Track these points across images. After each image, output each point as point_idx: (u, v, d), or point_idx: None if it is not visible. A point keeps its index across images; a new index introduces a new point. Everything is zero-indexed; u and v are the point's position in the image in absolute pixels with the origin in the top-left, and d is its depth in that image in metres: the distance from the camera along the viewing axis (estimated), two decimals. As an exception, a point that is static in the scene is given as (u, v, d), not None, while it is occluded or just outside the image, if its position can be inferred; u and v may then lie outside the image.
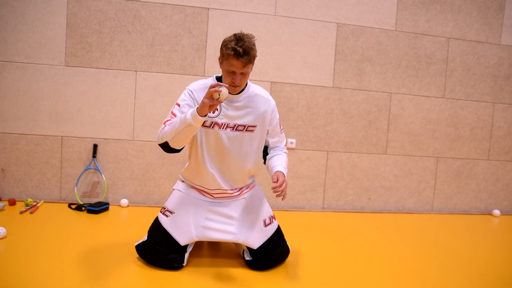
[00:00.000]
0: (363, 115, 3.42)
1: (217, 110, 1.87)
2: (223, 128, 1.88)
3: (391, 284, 1.93)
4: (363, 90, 3.40)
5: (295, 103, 3.30)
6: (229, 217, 1.98)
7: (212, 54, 3.13)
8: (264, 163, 2.10)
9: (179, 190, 2.04)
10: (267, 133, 2.02)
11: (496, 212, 3.62)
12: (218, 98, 1.65)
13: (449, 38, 3.50)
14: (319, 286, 1.86)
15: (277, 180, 1.81)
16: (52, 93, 2.98)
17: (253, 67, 1.88)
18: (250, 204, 2.04)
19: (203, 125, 1.87)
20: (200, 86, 1.89)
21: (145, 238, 1.98)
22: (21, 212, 2.64)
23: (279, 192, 1.79)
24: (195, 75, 3.12)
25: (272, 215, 2.08)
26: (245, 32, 1.77)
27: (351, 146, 3.43)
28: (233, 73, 1.77)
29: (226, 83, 1.82)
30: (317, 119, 3.35)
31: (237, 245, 2.17)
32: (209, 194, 2.00)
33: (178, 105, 1.87)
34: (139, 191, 3.15)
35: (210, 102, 1.64)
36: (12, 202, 2.83)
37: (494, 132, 3.67)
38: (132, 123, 3.09)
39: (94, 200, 3.03)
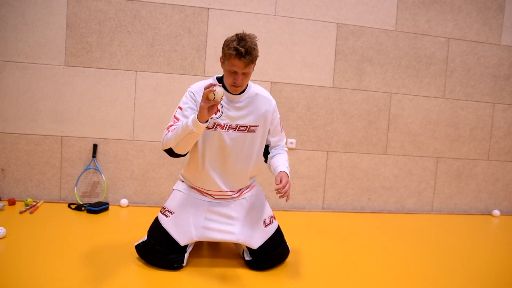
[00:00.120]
0: (363, 115, 3.42)
1: (219, 111, 1.87)
2: (225, 129, 1.88)
3: (391, 284, 1.93)
4: (363, 90, 3.40)
5: (295, 103, 3.30)
6: (229, 217, 1.98)
7: (212, 54, 3.13)
8: (265, 161, 2.10)
9: (179, 190, 2.04)
10: (268, 133, 2.02)
11: (496, 212, 3.62)
12: (214, 98, 1.62)
13: (449, 38, 3.50)
14: (319, 286, 1.86)
15: (281, 181, 1.81)
16: (52, 93, 2.98)
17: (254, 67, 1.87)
18: (250, 204, 2.04)
19: (205, 126, 1.86)
20: (201, 87, 1.88)
21: (145, 238, 1.98)
22: (21, 212, 2.64)
23: (283, 194, 1.79)
24: (195, 75, 3.12)
25: (272, 215, 2.08)
26: (247, 32, 1.77)
27: (351, 146, 3.43)
28: (235, 73, 1.77)
29: (227, 83, 1.82)
30: (317, 119, 3.35)
31: (237, 245, 2.17)
32: (209, 195, 2.00)
33: (181, 108, 1.86)
34: (139, 191, 3.15)
35: (207, 104, 1.63)
36: (12, 202, 2.83)
37: (494, 133, 3.67)
38: (132, 123, 3.09)
39: (94, 200, 3.03)
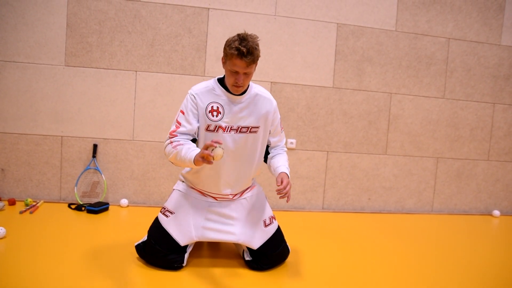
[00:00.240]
0: (363, 115, 3.42)
1: (220, 113, 1.86)
2: (227, 131, 1.88)
3: (391, 284, 1.93)
4: (363, 90, 3.40)
5: (295, 103, 3.30)
6: (229, 217, 1.98)
7: (212, 54, 3.13)
8: (265, 161, 2.10)
9: (179, 190, 2.04)
10: (269, 133, 2.02)
11: (496, 212, 3.62)
12: (213, 159, 1.59)
13: (449, 38, 3.50)
14: (319, 286, 1.85)
15: (282, 182, 1.81)
16: (52, 93, 2.98)
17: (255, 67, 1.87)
18: (250, 204, 2.04)
19: (207, 129, 1.86)
20: (202, 89, 1.88)
21: (145, 238, 1.98)
22: (21, 212, 2.64)
23: (283, 195, 1.79)
24: (195, 75, 3.12)
25: (272, 215, 2.08)
26: (249, 33, 1.77)
27: (351, 147, 3.43)
28: (236, 73, 1.76)
29: (229, 84, 1.82)
30: (317, 119, 3.35)
31: (237, 245, 2.17)
32: (210, 196, 2.00)
33: (183, 112, 1.85)
34: (139, 191, 3.15)
35: (205, 162, 1.60)
36: (12, 202, 2.82)
37: (494, 133, 3.67)
38: (132, 123, 3.09)
39: (94, 200, 3.03)
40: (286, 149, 2.13)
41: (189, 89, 1.90)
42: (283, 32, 3.23)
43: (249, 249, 1.99)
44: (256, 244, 1.95)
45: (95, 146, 3.04)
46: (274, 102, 1.99)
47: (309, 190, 3.39)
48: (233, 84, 1.79)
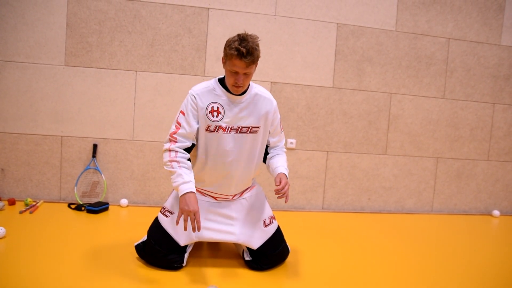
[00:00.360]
0: (363, 115, 3.42)
1: (221, 114, 1.86)
2: (227, 131, 1.87)
3: (391, 284, 1.93)
4: (363, 90, 3.40)
5: (295, 103, 3.30)
6: (229, 217, 1.98)
7: (212, 54, 3.13)
8: (264, 161, 2.10)
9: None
10: (269, 133, 2.02)
11: (496, 212, 3.62)
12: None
13: (449, 38, 3.50)
14: (319, 286, 1.86)
15: (280, 182, 1.81)
16: (52, 93, 2.98)
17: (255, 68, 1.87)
18: (250, 204, 2.04)
19: (207, 130, 1.86)
20: (202, 89, 1.87)
21: (144, 238, 1.98)
22: (21, 212, 2.64)
23: (282, 195, 1.80)
24: (195, 75, 3.12)
25: (272, 215, 2.08)
26: (249, 33, 1.77)
27: (351, 147, 3.43)
28: (236, 73, 1.76)
29: (229, 84, 1.82)
30: (317, 119, 3.35)
31: (236, 245, 2.17)
32: (210, 196, 2.00)
33: (183, 113, 1.85)
34: (139, 191, 3.15)
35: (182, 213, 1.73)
36: (11, 202, 2.82)
37: (494, 133, 3.67)
38: (132, 123, 3.09)
39: (93, 200, 3.03)
40: (285, 149, 2.13)
41: (190, 89, 1.90)
42: (283, 32, 3.23)
43: (249, 249, 1.99)
44: (256, 244, 1.95)
45: (95, 146, 3.04)
46: (274, 102, 1.99)
47: (309, 190, 3.39)
48: (233, 84, 1.79)
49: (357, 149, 3.44)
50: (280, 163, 1.98)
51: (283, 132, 2.12)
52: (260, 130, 1.94)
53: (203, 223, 1.95)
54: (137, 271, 1.86)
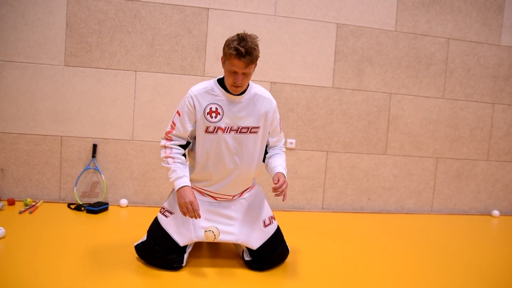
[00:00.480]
0: (363, 115, 3.42)
1: (219, 114, 1.86)
2: (226, 132, 1.87)
3: (391, 284, 1.93)
4: (363, 90, 3.40)
5: (295, 103, 3.30)
6: (229, 217, 1.98)
7: (212, 54, 3.13)
8: (263, 161, 2.10)
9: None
10: (268, 133, 2.02)
11: (496, 212, 3.62)
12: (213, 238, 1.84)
13: (449, 38, 3.50)
14: (319, 287, 1.86)
15: (278, 180, 1.82)
16: (51, 93, 2.98)
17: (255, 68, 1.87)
18: (250, 204, 2.04)
19: (206, 131, 1.86)
20: (200, 90, 1.87)
21: (144, 238, 1.98)
22: (20, 212, 2.64)
23: (279, 193, 1.80)
24: (195, 75, 3.12)
25: (272, 215, 2.08)
26: (248, 33, 1.77)
27: (350, 147, 3.43)
28: (235, 73, 1.76)
29: (228, 84, 1.82)
30: (317, 120, 3.35)
31: (236, 245, 2.17)
32: (209, 196, 2.00)
33: (179, 114, 1.88)
34: (138, 191, 3.15)
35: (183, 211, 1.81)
36: (11, 202, 2.82)
37: (494, 133, 3.67)
38: (131, 123, 3.09)
39: (93, 200, 3.03)
40: (284, 149, 2.13)
41: (189, 89, 1.91)
42: (283, 32, 3.23)
43: (249, 249, 1.98)
44: (255, 244, 1.95)
45: (94, 146, 3.04)
46: (274, 102, 1.99)
47: (309, 190, 3.39)
48: (232, 84, 1.79)
49: (357, 149, 3.44)
50: (278, 162, 1.98)
51: (282, 132, 2.12)
52: (260, 130, 1.93)
53: (203, 223, 1.95)
54: (137, 271, 1.86)
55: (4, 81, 2.91)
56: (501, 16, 3.56)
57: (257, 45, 1.75)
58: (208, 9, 3.11)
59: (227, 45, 1.74)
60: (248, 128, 1.90)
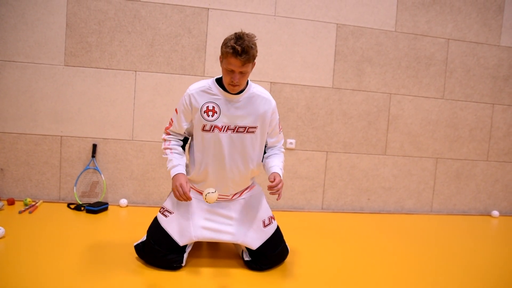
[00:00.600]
0: (362, 115, 3.42)
1: (216, 113, 1.86)
2: (223, 131, 1.87)
3: (391, 285, 1.93)
4: (362, 90, 3.40)
5: (295, 103, 3.30)
6: (228, 217, 1.98)
7: (212, 54, 3.13)
8: (261, 161, 2.09)
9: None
10: (267, 134, 2.02)
11: (495, 213, 3.62)
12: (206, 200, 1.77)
13: (448, 39, 3.50)
14: (318, 287, 1.86)
15: (274, 180, 1.83)
16: (51, 93, 2.98)
17: (254, 68, 1.87)
18: (249, 204, 2.04)
19: (203, 129, 1.87)
20: (198, 89, 1.88)
21: (144, 238, 1.98)
22: (20, 212, 2.64)
23: (274, 192, 1.83)
24: (194, 75, 3.12)
25: (271, 215, 2.08)
26: (246, 32, 1.77)
27: (350, 147, 3.43)
28: (232, 72, 1.76)
29: (225, 83, 1.82)
30: (317, 120, 3.35)
31: (236, 245, 2.17)
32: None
33: (176, 111, 1.95)
34: (138, 191, 3.15)
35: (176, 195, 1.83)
36: (11, 202, 2.82)
37: (493, 133, 3.67)
38: (131, 123, 3.09)
39: (93, 200, 3.03)
40: (283, 150, 2.12)
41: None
42: (283, 32, 3.23)
43: (248, 249, 1.98)
44: (255, 244, 1.95)
45: (94, 146, 3.04)
46: (273, 103, 1.98)
47: (309, 190, 3.39)
48: (229, 83, 1.79)
49: (357, 149, 3.44)
50: (275, 162, 1.98)
51: (282, 133, 2.11)
52: (258, 130, 1.93)
53: (202, 223, 1.95)
54: (137, 271, 1.86)
55: (4, 81, 2.91)
56: (501, 17, 3.56)
57: (254, 44, 1.75)
58: (208, 9, 3.11)
59: (225, 43, 1.75)
60: (245, 127, 1.90)
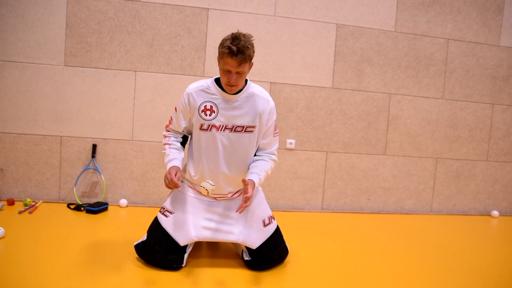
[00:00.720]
0: (362, 115, 3.43)
1: (214, 112, 1.87)
2: (221, 130, 1.88)
3: (391, 285, 1.93)
4: (362, 91, 3.40)
5: (295, 103, 3.30)
6: (229, 217, 1.98)
7: (212, 55, 3.13)
8: None
9: (178, 190, 2.03)
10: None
11: (495, 213, 3.62)
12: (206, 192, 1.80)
13: (448, 39, 3.51)
14: (318, 287, 1.86)
15: (247, 191, 1.75)
16: (51, 93, 2.98)
17: (253, 68, 1.87)
18: (249, 204, 2.04)
19: (201, 128, 1.88)
20: (196, 88, 1.90)
21: (144, 238, 1.98)
22: (20, 212, 2.64)
23: (242, 209, 1.75)
24: (194, 76, 3.12)
25: (271, 215, 2.08)
26: (244, 32, 1.77)
27: (350, 147, 3.43)
28: (229, 72, 1.77)
29: (223, 83, 1.83)
30: (317, 120, 3.35)
31: (236, 245, 2.17)
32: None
33: (176, 110, 1.98)
34: (138, 191, 3.15)
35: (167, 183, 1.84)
36: (10, 202, 2.82)
37: (493, 133, 3.67)
38: (131, 123, 3.09)
39: (93, 200, 3.03)
40: (274, 157, 2.03)
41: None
42: (283, 33, 3.23)
43: (248, 249, 1.99)
44: (255, 244, 1.95)
45: (94, 146, 3.04)
46: (272, 103, 1.97)
47: (308, 190, 3.39)
48: (226, 83, 1.80)
49: (357, 149, 3.45)
50: (256, 170, 1.90)
51: (277, 137, 2.04)
52: (256, 130, 1.93)
53: (202, 223, 1.95)
54: (137, 271, 1.86)
55: (4, 81, 2.91)
56: (501, 17, 3.56)
57: (251, 44, 1.76)
58: (208, 9, 3.11)
59: (221, 44, 1.76)
60: (243, 127, 1.90)
